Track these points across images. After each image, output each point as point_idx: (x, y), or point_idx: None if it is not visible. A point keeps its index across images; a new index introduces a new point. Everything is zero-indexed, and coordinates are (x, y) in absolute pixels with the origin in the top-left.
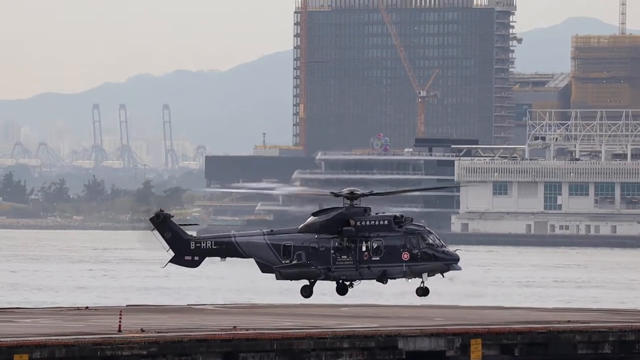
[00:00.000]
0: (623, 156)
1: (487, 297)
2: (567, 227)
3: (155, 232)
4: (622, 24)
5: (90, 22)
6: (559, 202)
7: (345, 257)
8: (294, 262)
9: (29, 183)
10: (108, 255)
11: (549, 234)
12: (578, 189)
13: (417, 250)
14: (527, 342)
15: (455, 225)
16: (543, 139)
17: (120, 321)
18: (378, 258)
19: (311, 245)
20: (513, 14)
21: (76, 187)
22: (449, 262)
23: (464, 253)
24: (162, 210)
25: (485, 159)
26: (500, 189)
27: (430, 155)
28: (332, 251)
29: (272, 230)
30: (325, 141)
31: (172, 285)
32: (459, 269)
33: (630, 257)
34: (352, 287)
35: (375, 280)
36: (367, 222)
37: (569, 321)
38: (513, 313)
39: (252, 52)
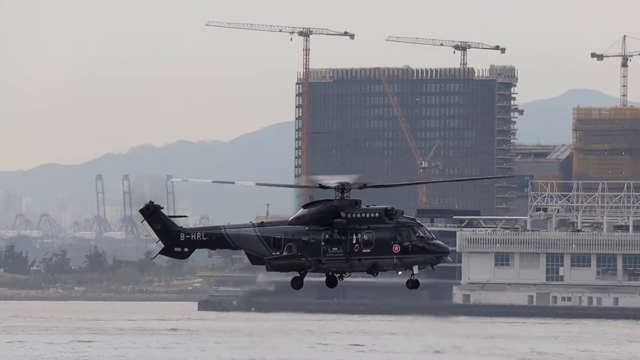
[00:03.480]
0: (625, 228)
1: None
2: (569, 299)
3: (145, 223)
4: (623, 95)
5: (89, 91)
6: (561, 273)
7: (336, 249)
8: (284, 254)
9: (31, 254)
10: (113, 326)
11: (551, 305)
12: (580, 260)
13: (407, 243)
14: None
15: (457, 296)
16: (545, 210)
17: None
18: (369, 250)
19: (301, 237)
20: (514, 85)
21: (78, 258)
22: (439, 255)
23: (468, 325)
24: (152, 202)
25: (487, 230)
26: (502, 259)
27: (432, 226)
28: (322, 243)
29: (262, 223)
30: None
31: (175, 356)
32: (449, 261)
33: (633, 329)
34: (342, 279)
35: (366, 272)
36: (358, 215)
37: None
38: None
39: (253, 123)
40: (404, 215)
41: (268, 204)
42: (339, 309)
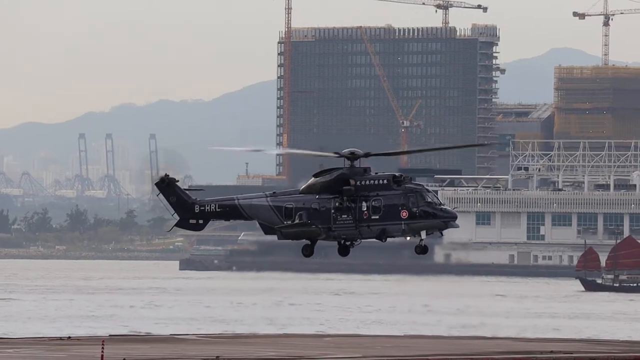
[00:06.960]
0: (606, 187)
1: (470, 327)
2: (550, 258)
3: (161, 196)
4: (605, 55)
5: (71, 50)
6: (542, 232)
7: (346, 216)
8: (295, 222)
9: (12, 213)
10: (94, 285)
11: (532, 264)
12: (561, 220)
13: (415, 209)
14: None
15: (439, 256)
16: (526, 169)
17: (102, 351)
18: (377, 217)
19: (312, 205)
20: (496, 44)
21: (59, 216)
22: (446, 220)
23: (449, 283)
24: (167, 175)
25: (468, 189)
26: (484, 219)
27: None
28: (332, 211)
29: (274, 193)
30: (309, 171)
31: (156, 315)
32: (457, 226)
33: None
34: (353, 247)
35: (375, 239)
36: (367, 182)
37: (551, 351)
38: (496, 343)
39: (235, 82)
40: (412, 182)
41: (247, 163)
42: (321, 268)
